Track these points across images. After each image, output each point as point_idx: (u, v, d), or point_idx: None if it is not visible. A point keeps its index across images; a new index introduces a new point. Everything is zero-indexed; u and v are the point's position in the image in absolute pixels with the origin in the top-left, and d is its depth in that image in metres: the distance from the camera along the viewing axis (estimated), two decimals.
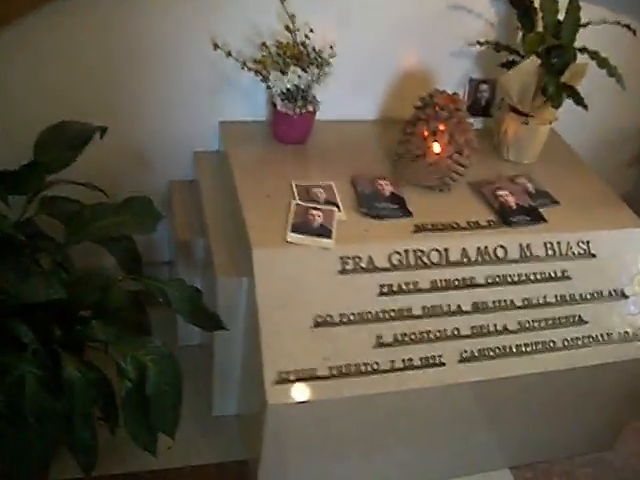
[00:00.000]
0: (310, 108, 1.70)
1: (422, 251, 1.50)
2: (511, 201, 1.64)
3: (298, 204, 1.54)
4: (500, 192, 1.66)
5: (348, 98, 1.84)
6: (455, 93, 1.63)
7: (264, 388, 1.36)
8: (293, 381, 1.38)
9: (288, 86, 1.62)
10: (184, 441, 1.68)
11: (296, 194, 1.58)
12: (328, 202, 1.56)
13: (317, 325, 1.41)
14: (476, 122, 1.88)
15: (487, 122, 1.91)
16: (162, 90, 1.73)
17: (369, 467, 1.60)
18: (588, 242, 1.61)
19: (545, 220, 1.61)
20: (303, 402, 1.38)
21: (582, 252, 1.60)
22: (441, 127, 1.59)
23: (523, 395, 1.57)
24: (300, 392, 1.37)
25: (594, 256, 1.61)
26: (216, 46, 1.61)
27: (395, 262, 1.48)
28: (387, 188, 1.62)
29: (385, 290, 1.46)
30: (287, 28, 1.62)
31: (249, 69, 1.65)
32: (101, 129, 1.56)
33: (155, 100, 1.75)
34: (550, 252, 1.58)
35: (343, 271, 1.45)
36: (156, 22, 1.63)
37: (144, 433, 1.41)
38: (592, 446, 1.80)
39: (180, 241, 1.71)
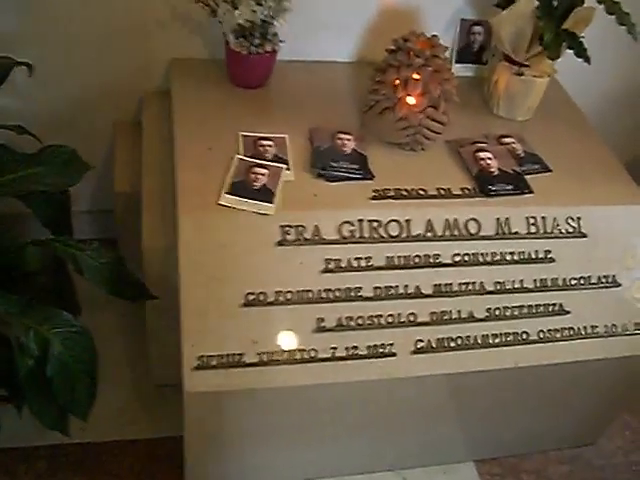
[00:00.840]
0: (269, 47, 1.46)
1: (378, 221, 1.29)
2: (493, 166, 1.41)
3: (241, 160, 1.33)
4: (482, 154, 1.43)
5: (318, 36, 1.61)
6: (434, 35, 1.38)
7: (182, 374, 1.18)
8: (216, 367, 1.20)
9: (240, 21, 1.38)
10: (121, 412, 1.54)
11: (241, 147, 1.36)
12: (277, 158, 1.35)
13: (248, 304, 1.22)
14: (468, 70, 1.65)
15: (480, 71, 1.66)
16: (106, 24, 1.51)
17: (316, 456, 1.43)
18: (579, 218, 1.38)
19: (531, 190, 1.38)
20: (227, 391, 1.20)
21: (571, 230, 1.37)
22: (414, 76, 1.35)
23: (489, 389, 1.38)
24: (223, 380, 1.20)
25: (584, 236, 1.38)
26: None
27: (345, 234, 1.27)
28: (349, 144, 1.39)
29: (331, 266, 1.26)
30: None
31: (196, 1, 1.41)
32: (26, 65, 1.36)
33: (98, 34, 1.53)
34: (533, 229, 1.36)
35: (283, 242, 1.24)
36: None
37: (52, 413, 1.26)
38: (570, 441, 1.62)
39: (117, 193, 1.52)
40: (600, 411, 1.54)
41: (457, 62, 1.66)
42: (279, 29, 1.45)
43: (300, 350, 1.23)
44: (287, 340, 1.23)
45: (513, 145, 1.48)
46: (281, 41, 1.49)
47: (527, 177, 1.41)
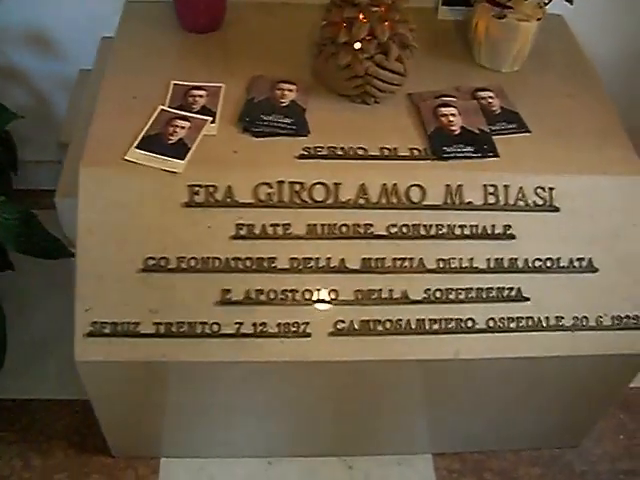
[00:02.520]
0: None
1: (302, 184, 1.13)
2: (455, 123, 1.22)
3: (162, 110, 1.21)
4: (444, 109, 1.23)
5: None
6: None
7: (74, 340, 1.10)
8: (110, 335, 1.10)
9: None
10: (59, 370, 1.49)
11: (169, 97, 1.24)
12: (205, 110, 1.21)
13: (147, 269, 1.11)
14: (456, 13, 1.43)
15: (469, 13, 1.43)
16: None
17: (239, 434, 1.32)
18: (551, 189, 1.18)
19: (496, 153, 1.18)
20: (119, 362, 1.10)
21: (540, 203, 1.17)
22: (360, 16, 1.17)
23: (436, 381, 1.22)
24: (115, 350, 1.10)
25: (556, 210, 1.17)
26: None
27: (262, 196, 1.13)
28: (288, 95, 1.24)
29: (242, 232, 1.12)
30: None
31: None
32: None
33: None
34: (491, 199, 1.17)
35: (190, 203, 1.12)
36: None
37: None
38: (548, 441, 1.43)
39: (59, 143, 1.44)
40: (578, 411, 1.34)
41: (444, 4, 1.44)
42: None
43: (201, 323, 1.11)
44: (187, 311, 1.11)
45: (489, 100, 1.27)
46: None
47: (498, 138, 1.21)
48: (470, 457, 1.41)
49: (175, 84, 1.26)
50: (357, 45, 1.18)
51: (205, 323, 1.11)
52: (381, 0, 1.17)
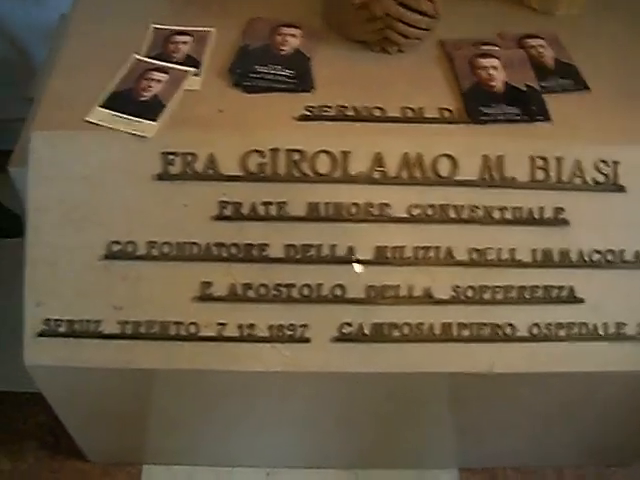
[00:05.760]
0: None
1: (302, 152, 0.91)
2: (497, 78, 0.97)
3: (136, 61, 0.98)
4: (483, 61, 0.99)
5: None
6: None
7: (23, 341, 0.90)
8: (65, 335, 0.90)
9: None
10: None
11: (146, 44, 1.01)
12: (188, 60, 0.99)
13: (111, 256, 0.91)
14: None
15: None
16: None
17: (232, 443, 1.13)
18: (616, 163, 0.93)
19: (548, 117, 0.94)
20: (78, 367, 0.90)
21: (601, 180, 0.93)
22: None
23: (460, 394, 0.99)
24: (72, 353, 0.91)
25: (622, 189, 0.93)
26: None
27: (252, 168, 0.90)
28: (291, 42, 1.01)
29: (227, 211, 0.91)
30: None
31: None
32: None
33: None
34: (539, 175, 0.93)
35: (164, 175, 0.91)
36: None
37: None
38: (594, 459, 1.21)
39: (26, 98, 1.22)
40: (632, 428, 1.11)
41: None
42: None
43: (176, 323, 0.91)
44: (159, 308, 0.91)
45: (540, 50, 1.03)
46: None
47: (550, 97, 0.96)
48: (502, 473, 1.21)
49: (155, 28, 1.03)
50: None
51: (180, 323, 0.91)
52: None
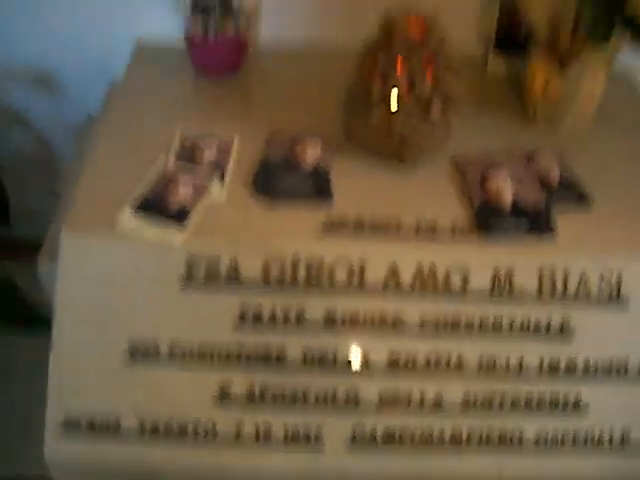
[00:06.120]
0: (232, 28, 1.15)
1: (321, 261, 0.95)
2: (506, 194, 1.03)
3: (164, 166, 1.04)
4: (493, 177, 1.05)
5: (316, 13, 1.27)
6: (432, 16, 1.01)
7: (44, 433, 0.93)
8: (86, 432, 0.93)
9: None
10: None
11: (174, 149, 1.07)
12: (214, 167, 1.05)
13: (133, 357, 0.94)
14: (509, 62, 1.25)
15: (523, 61, 1.25)
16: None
17: None
18: (620, 275, 0.97)
19: (553, 231, 0.99)
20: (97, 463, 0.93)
21: (605, 293, 0.97)
22: (397, 68, 0.99)
23: None
24: (92, 450, 0.93)
25: (625, 301, 0.97)
26: None
27: (273, 276, 0.95)
28: (311, 154, 1.07)
29: (248, 315, 0.95)
30: None
31: None
32: None
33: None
34: (547, 287, 0.97)
35: (189, 279, 0.94)
36: None
37: None
38: None
39: (55, 194, 1.28)
40: None
41: (496, 52, 1.26)
42: (248, 3, 1.13)
43: (194, 422, 0.93)
44: (178, 407, 0.93)
45: (546, 166, 1.08)
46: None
47: (556, 212, 1.01)
48: None
49: (182, 135, 1.10)
50: (393, 101, 1.00)
51: (199, 422, 0.93)
52: (421, 48, 0.98)
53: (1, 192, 1.37)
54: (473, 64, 1.30)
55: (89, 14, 1.31)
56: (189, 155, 1.07)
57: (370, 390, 0.94)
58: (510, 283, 0.97)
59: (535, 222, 1.00)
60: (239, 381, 0.94)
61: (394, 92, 0.99)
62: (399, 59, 0.99)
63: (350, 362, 0.95)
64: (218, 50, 1.18)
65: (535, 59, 1.12)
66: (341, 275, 0.95)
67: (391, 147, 1.05)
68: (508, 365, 0.96)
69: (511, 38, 1.24)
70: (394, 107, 1.01)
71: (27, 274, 1.11)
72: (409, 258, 0.96)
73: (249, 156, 1.07)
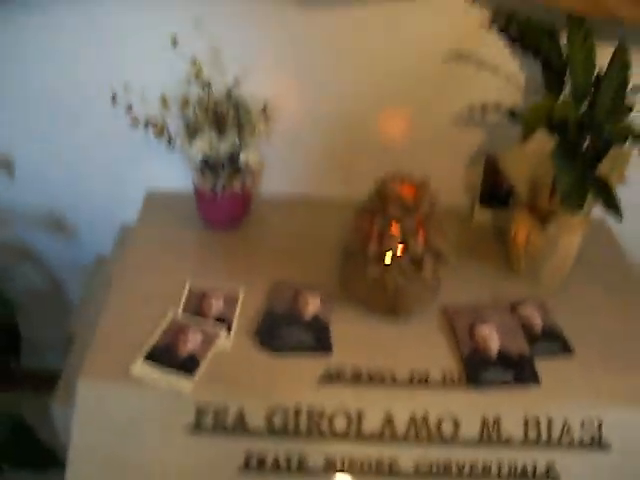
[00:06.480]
0: (238, 185, 1.27)
1: (321, 411, 1.02)
2: (493, 345, 1.12)
3: (174, 317, 1.13)
4: (480, 329, 1.13)
5: (314, 171, 1.39)
6: (423, 180, 1.13)
7: None
8: None
9: (199, 157, 1.21)
10: None
11: (183, 301, 1.16)
12: (221, 318, 1.13)
13: None
14: (493, 216, 1.36)
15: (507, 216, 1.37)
16: (78, 146, 1.39)
17: None
18: (600, 425, 1.04)
19: (537, 380, 1.07)
20: None
21: (587, 439, 1.04)
22: (392, 227, 1.10)
23: None
24: None
25: (607, 447, 1.04)
26: (114, 98, 1.22)
27: (276, 424, 1.02)
28: (311, 307, 1.16)
29: (253, 462, 1.01)
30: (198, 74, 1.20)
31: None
32: None
33: (71, 157, 1.41)
34: (532, 434, 1.04)
35: (197, 427, 1.01)
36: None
37: None
38: None
39: (67, 334, 1.36)
40: None
41: (481, 205, 1.38)
42: (254, 161, 1.25)
43: None
44: None
45: (530, 316, 1.18)
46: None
47: (539, 359, 1.10)
48: None
49: (191, 287, 1.19)
50: (388, 259, 1.10)
51: None
52: (414, 211, 1.09)
53: (14, 329, 1.44)
54: (461, 216, 1.41)
55: (103, 163, 1.42)
56: (197, 306, 1.16)
57: None
58: (498, 430, 1.04)
59: (520, 372, 1.08)
60: None
61: (389, 252, 1.09)
62: (394, 222, 1.09)
63: None
64: (224, 204, 1.29)
65: (517, 216, 1.23)
66: (340, 423, 1.02)
67: (386, 301, 1.14)
68: None
69: (495, 193, 1.36)
70: (389, 265, 1.10)
71: (34, 405, 1.17)
72: (403, 407, 1.03)
73: (253, 306, 1.16)
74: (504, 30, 1.20)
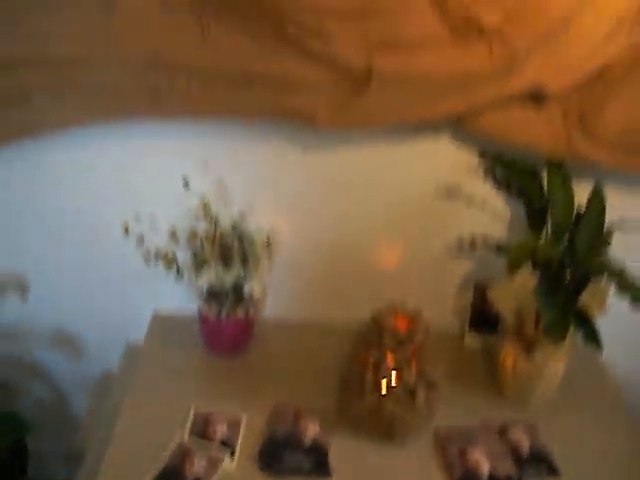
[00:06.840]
0: (241, 312, 1.35)
1: None
2: (483, 469, 1.18)
3: (180, 442, 1.19)
4: (470, 453, 1.20)
5: (314, 296, 1.48)
6: (417, 312, 1.21)
7: None
8: None
9: (205, 287, 1.30)
10: None
11: (189, 425, 1.22)
12: (225, 442, 1.19)
13: None
14: (483, 340, 1.44)
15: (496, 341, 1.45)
16: (89, 268, 1.48)
17: None
18: None
19: None
20: None
21: None
22: (387, 361, 1.18)
23: None
24: None
25: None
26: (126, 230, 1.32)
27: None
28: (310, 432, 1.22)
29: None
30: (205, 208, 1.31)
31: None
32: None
33: (82, 278, 1.50)
34: None
35: None
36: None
37: None
38: None
39: (75, 449, 1.41)
40: None
41: (471, 330, 1.46)
42: (257, 290, 1.34)
43: None
44: None
45: (517, 438, 1.24)
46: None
47: None
48: None
49: (196, 412, 1.25)
50: (384, 389, 1.18)
51: None
52: (408, 342, 1.17)
53: (22, 444, 1.48)
54: (451, 339, 1.49)
55: (112, 284, 1.50)
56: (202, 430, 1.22)
57: None
58: None
59: None
60: None
61: (384, 381, 1.16)
62: (389, 353, 1.17)
63: None
64: (228, 330, 1.36)
65: (505, 343, 1.31)
66: None
67: (382, 427, 1.20)
68: None
69: (484, 317, 1.44)
70: (384, 393, 1.17)
71: None
72: None
73: (256, 429, 1.22)
74: (490, 173, 1.31)
